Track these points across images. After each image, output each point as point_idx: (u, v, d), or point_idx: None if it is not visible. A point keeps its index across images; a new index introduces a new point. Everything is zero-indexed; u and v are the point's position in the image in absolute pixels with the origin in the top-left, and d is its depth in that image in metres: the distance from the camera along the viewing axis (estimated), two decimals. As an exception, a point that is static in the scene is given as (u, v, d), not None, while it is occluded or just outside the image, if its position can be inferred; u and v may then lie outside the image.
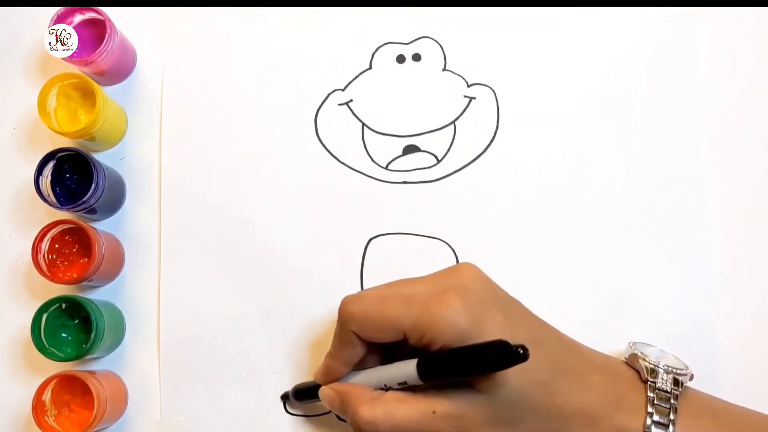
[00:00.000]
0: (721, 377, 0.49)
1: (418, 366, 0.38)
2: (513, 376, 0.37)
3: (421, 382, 0.38)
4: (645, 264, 0.50)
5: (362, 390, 0.41)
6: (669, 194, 0.51)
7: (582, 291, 0.50)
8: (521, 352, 0.33)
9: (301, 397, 0.47)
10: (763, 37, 0.53)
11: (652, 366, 0.41)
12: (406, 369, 0.39)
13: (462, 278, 0.39)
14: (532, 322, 0.41)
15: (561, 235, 0.51)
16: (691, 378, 0.42)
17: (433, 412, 0.38)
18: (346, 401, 0.41)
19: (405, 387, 0.40)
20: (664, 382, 0.40)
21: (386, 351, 0.43)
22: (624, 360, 0.43)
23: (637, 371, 0.41)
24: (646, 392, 0.40)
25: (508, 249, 0.51)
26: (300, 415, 0.49)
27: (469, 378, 0.38)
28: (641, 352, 0.42)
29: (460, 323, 0.37)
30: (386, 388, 0.41)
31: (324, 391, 0.43)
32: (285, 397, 0.49)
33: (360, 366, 0.43)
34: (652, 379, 0.40)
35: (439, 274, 0.41)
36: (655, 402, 0.39)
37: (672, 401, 0.39)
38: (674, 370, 0.41)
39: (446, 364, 0.37)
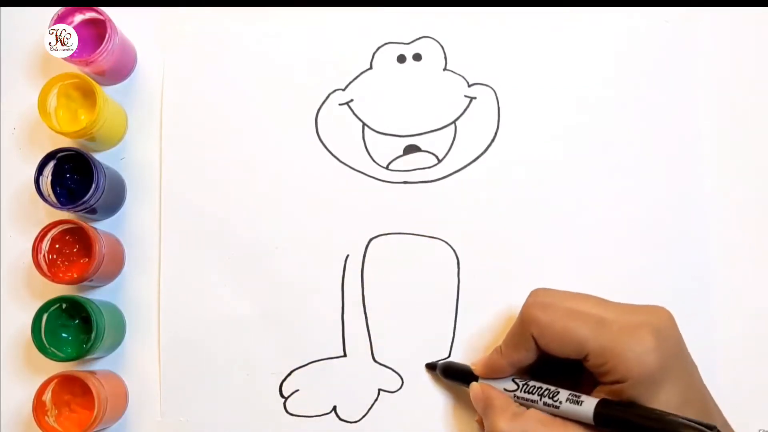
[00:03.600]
0: (719, 376, 0.49)
1: (598, 408, 0.37)
2: None
3: (589, 421, 0.38)
4: (646, 264, 0.50)
5: (508, 402, 0.41)
6: (670, 194, 0.51)
7: (583, 291, 0.50)
8: None
9: (449, 375, 0.48)
10: (763, 37, 0.54)
11: None
12: (579, 410, 0.38)
13: (658, 319, 0.39)
14: (706, 394, 0.39)
15: (562, 235, 0.51)
16: None
17: None
18: (490, 407, 0.41)
19: (552, 405, 0.40)
20: None
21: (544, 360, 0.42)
22: None
23: None
24: None
25: (509, 249, 0.51)
26: (300, 415, 0.49)
27: None
28: None
29: (650, 363, 0.37)
30: (536, 399, 0.40)
31: (474, 387, 0.44)
32: (431, 367, 0.49)
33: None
34: None
35: (632, 307, 0.40)
36: None
37: None
38: None
39: (633, 422, 0.36)
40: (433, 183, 0.52)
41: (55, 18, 0.50)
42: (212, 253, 0.51)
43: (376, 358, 0.50)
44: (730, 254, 0.51)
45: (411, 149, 0.52)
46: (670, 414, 0.36)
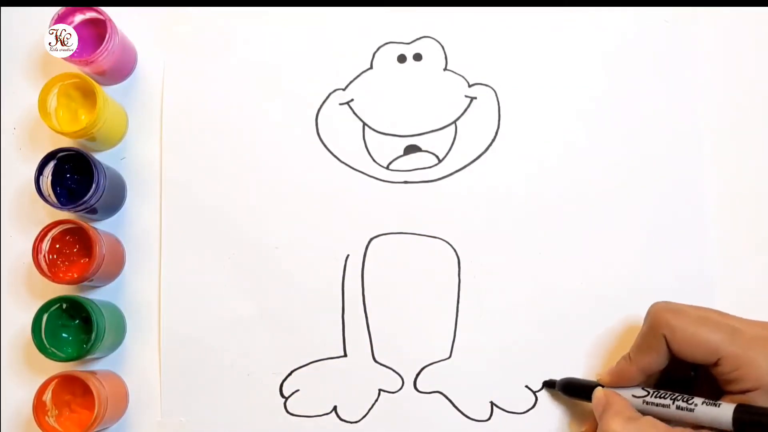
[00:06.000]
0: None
1: (737, 413, 0.38)
2: None
3: (725, 426, 0.38)
4: (646, 263, 0.50)
5: (625, 406, 0.42)
6: (670, 194, 0.51)
7: (583, 290, 0.50)
8: None
9: (570, 392, 0.47)
10: (763, 37, 0.54)
11: None
12: (717, 413, 0.39)
13: None
14: None
15: (562, 235, 0.51)
16: None
17: None
18: (608, 409, 0.42)
19: (686, 409, 0.40)
20: None
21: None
22: None
23: None
24: None
25: (510, 248, 0.51)
26: (300, 415, 0.49)
27: None
28: None
29: None
30: (668, 404, 0.41)
31: (597, 392, 0.44)
32: (549, 385, 0.49)
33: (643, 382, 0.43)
34: None
35: (760, 321, 0.41)
36: None
37: None
38: None
39: None
40: (433, 183, 0.52)
41: (55, 18, 0.50)
42: (212, 253, 0.51)
43: (377, 358, 0.50)
44: (729, 253, 0.51)
45: (411, 149, 0.52)
46: None
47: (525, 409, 0.49)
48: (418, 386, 0.49)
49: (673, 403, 0.41)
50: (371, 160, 0.52)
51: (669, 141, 0.52)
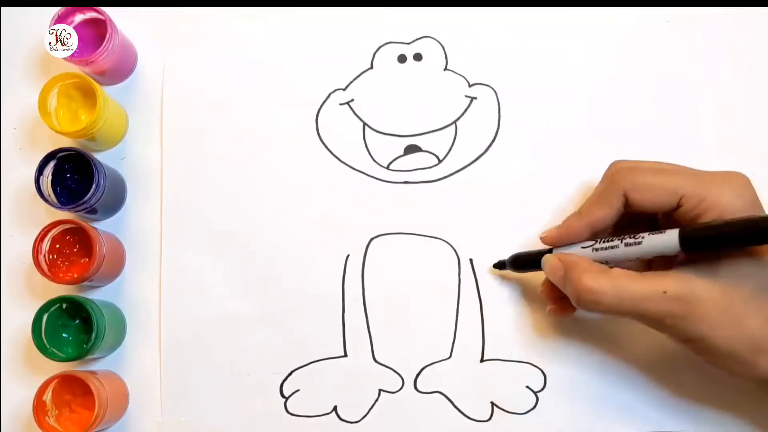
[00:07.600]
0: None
1: (683, 231, 0.38)
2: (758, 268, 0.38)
3: (673, 250, 0.39)
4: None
5: (589, 263, 0.42)
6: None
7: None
8: None
9: (520, 265, 0.47)
10: (763, 36, 0.54)
11: None
12: (663, 239, 0.39)
13: (741, 177, 0.41)
14: None
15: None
16: None
17: (664, 292, 0.38)
18: (570, 270, 0.41)
19: (635, 243, 0.40)
20: None
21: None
22: None
23: None
24: None
25: (509, 249, 0.50)
26: (300, 415, 0.49)
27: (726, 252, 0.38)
28: None
29: (745, 196, 0.39)
30: (616, 244, 0.41)
31: (548, 259, 0.44)
32: (500, 266, 0.49)
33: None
34: None
35: (712, 171, 0.41)
36: None
37: None
38: None
39: (716, 234, 0.37)
40: (433, 183, 0.52)
41: (55, 18, 0.50)
42: (213, 252, 0.51)
43: (377, 358, 0.50)
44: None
45: (411, 149, 0.52)
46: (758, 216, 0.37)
47: (525, 410, 0.49)
48: (418, 386, 0.49)
49: (621, 241, 0.41)
50: (371, 160, 0.52)
51: (669, 141, 0.52)
